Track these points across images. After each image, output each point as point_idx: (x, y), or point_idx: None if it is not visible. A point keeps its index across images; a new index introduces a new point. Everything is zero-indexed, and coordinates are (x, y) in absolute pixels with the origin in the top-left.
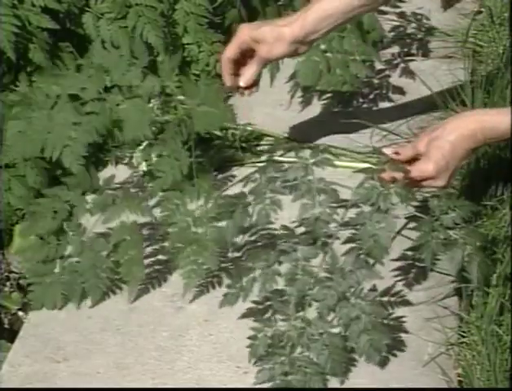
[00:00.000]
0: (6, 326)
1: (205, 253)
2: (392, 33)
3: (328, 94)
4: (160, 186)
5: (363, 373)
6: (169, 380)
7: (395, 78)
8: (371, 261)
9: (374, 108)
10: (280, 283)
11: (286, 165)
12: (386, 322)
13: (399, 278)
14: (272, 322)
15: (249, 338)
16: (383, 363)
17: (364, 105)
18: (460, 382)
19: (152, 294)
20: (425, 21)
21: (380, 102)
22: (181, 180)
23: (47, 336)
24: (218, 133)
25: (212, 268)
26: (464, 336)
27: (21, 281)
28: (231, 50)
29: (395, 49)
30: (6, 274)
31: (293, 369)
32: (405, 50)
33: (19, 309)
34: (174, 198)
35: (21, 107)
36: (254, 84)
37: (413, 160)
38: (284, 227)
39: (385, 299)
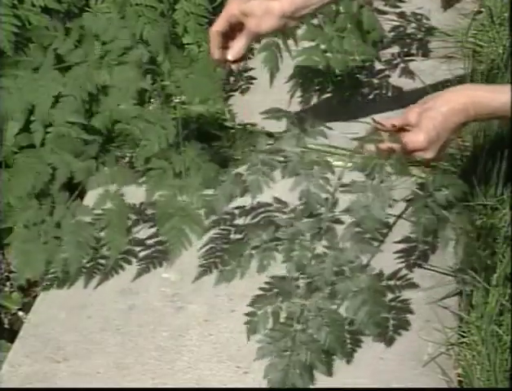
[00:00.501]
0: (6, 326)
1: (191, 223)
2: (392, 33)
3: (328, 94)
4: (145, 153)
5: (363, 373)
6: (169, 380)
7: (395, 78)
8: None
9: (374, 108)
10: (279, 259)
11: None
12: (392, 304)
13: (401, 260)
14: (272, 299)
15: (246, 315)
16: (390, 342)
17: (364, 105)
18: (460, 382)
19: (152, 294)
20: (425, 21)
21: (380, 102)
22: (167, 149)
23: (47, 336)
24: (217, 132)
25: (197, 238)
26: (464, 336)
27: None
28: (219, 23)
29: (395, 49)
30: (6, 274)
31: (294, 346)
32: (405, 50)
33: (19, 309)
34: (160, 167)
35: (8, 66)
36: (242, 58)
37: (403, 130)
38: (278, 200)
39: (391, 282)
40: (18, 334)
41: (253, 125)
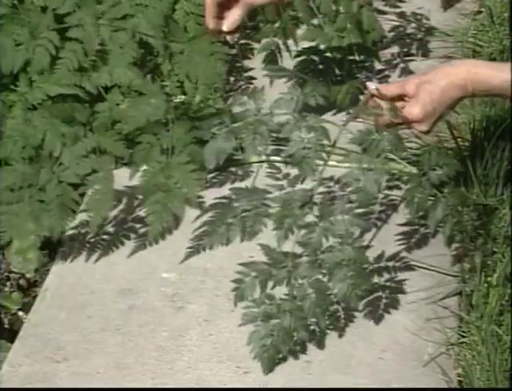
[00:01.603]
0: (6, 326)
1: (174, 200)
2: (392, 33)
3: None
4: (133, 125)
5: (363, 373)
6: (169, 380)
7: (395, 78)
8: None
9: None
10: (269, 225)
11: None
12: (388, 284)
13: (401, 242)
14: (260, 266)
15: (233, 281)
16: (379, 320)
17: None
18: (460, 382)
19: (152, 294)
20: (425, 21)
21: None
22: (156, 124)
23: (47, 336)
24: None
25: (180, 216)
26: (464, 336)
27: (21, 281)
28: None
29: (395, 49)
30: (6, 274)
31: (279, 313)
32: (405, 50)
33: (19, 309)
34: (148, 142)
35: (5, 23)
36: (237, 29)
37: (400, 99)
38: (271, 165)
39: (390, 264)
40: (18, 334)
41: None
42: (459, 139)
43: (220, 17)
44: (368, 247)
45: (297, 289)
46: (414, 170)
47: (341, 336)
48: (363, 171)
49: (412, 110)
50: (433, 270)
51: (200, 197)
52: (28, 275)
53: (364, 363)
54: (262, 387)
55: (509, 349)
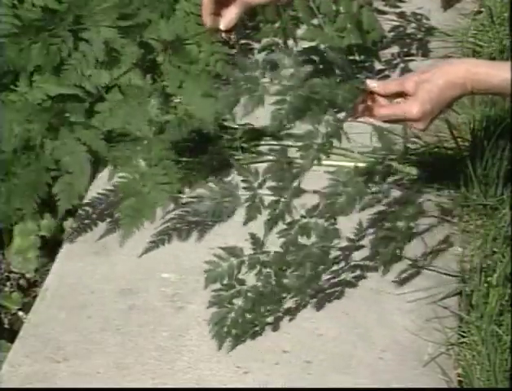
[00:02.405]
0: (6, 326)
1: (146, 207)
2: (392, 33)
3: None
4: (113, 125)
5: (363, 373)
6: (169, 380)
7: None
8: None
9: None
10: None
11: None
12: (348, 279)
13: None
14: (238, 251)
15: (206, 262)
16: (319, 308)
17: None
18: (460, 382)
19: (152, 294)
20: (425, 21)
21: None
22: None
23: (47, 336)
24: (218, 132)
25: (150, 221)
26: (464, 336)
27: (21, 281)
28: None
29: (395, 49)
30: (6, 274)
31: (246, 298)
32: (405, 50)
33: (19, 309)
34: (128, 149)
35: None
36: (234, 28)
37: (397, 96)
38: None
39: (368, 263)
40: (18, 334)
41: (253, 125)
42: (459, 139)
43: (217, 14)
44: (362, 246)
45: (265, 276)
46: (414, 171)
47: (291, 320)
48: (345, 187)
49: (411, 108)
50: (433, 270)
51: (181, 192)
52: (28, 275)
53: (364, 363)
54: (262, 387)
55: (509, 349)
